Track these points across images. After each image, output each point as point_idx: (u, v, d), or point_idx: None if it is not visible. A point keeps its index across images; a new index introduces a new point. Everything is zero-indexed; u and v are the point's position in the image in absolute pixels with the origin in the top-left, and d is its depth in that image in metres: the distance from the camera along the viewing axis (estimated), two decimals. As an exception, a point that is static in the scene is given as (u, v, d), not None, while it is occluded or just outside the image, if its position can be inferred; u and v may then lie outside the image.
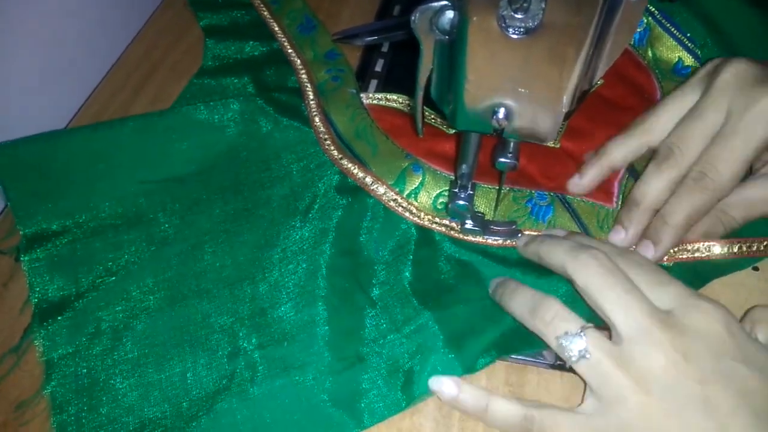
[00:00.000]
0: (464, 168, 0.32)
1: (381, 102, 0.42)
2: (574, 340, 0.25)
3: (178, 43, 0.48)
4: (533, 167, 0.37)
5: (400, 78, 0.45)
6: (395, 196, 0.36)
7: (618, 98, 0.41)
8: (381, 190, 0.36)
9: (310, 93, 0.43)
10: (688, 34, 0.42)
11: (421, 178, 0.36)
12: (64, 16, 0.47)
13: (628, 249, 0.32)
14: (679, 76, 0.42)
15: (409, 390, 0.29)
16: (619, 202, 0.36)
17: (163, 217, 0.36)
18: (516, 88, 0.25)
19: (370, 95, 0.42)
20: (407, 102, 0.42)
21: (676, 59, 0.42)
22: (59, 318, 0.32)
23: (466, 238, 0.35)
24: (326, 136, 0.40)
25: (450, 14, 0.24)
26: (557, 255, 0.29)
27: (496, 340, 0.30)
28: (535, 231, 0.35)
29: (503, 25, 0.22)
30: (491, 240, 0.35)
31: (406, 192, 0.36)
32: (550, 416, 0.26)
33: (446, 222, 0.35)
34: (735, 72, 0.31)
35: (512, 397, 0.27)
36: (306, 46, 0.47)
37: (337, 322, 0.32)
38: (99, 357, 0.31)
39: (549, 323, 0.27)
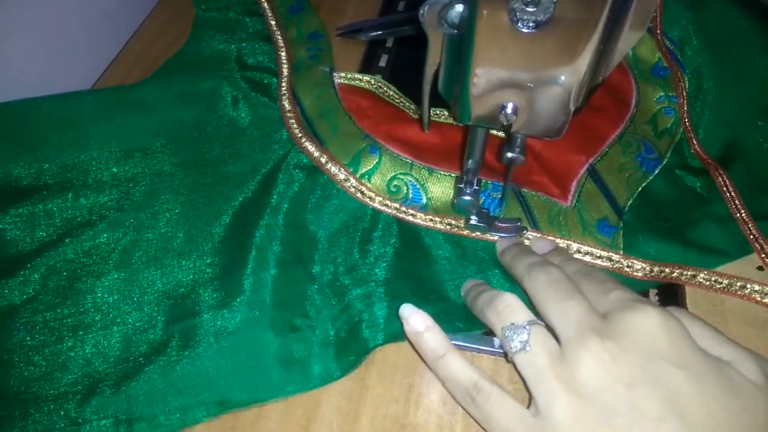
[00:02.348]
0: (470, 163, 0.32)
1: (352, 81, 0.42)
2: (518, 332, 0.26)
3: (178, 40, 0.47)
4: (492, 157, 0.38)
5: (404, 73, 0.45)
6: (348, 176, 0.36)
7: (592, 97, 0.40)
8: (334, 169, 0.37)
9: (285, 72, 0.43)
10: (669, 35, 0.41)
11: (377, 160, 0.37)
12: (64, 12, 0.46)
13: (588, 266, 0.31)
14: (656, 77, 0.41)
15: (342, 360, 0.30)
16: (575, 201, 0.36)
17: (125, 186, 0.37)
18: (525, 83, 0.25)
19: (342, 74, 0.43)
20: (379, 83, 0.42)
21: (656, 59, 0.41)
22: (16, 271, 0.33)
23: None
24: (291, 115, 0.40)
25: (459, 8, 0.24)
26: (518, 269, 0.30)
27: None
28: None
29: (514, 18, 0.22)
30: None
31: (360, 173, 0.36)
32: (498, 395, 0.25)
33: (396, 205, 0.36)
34: None
35: (471, 363, 0.27)
36: (291, 26, 0.47)
37: (276, 293, 0.33)
38: (41, 313, 0.32)
39: (499, 313, 0.27)
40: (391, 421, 0.29)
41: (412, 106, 0.41)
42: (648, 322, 0.24)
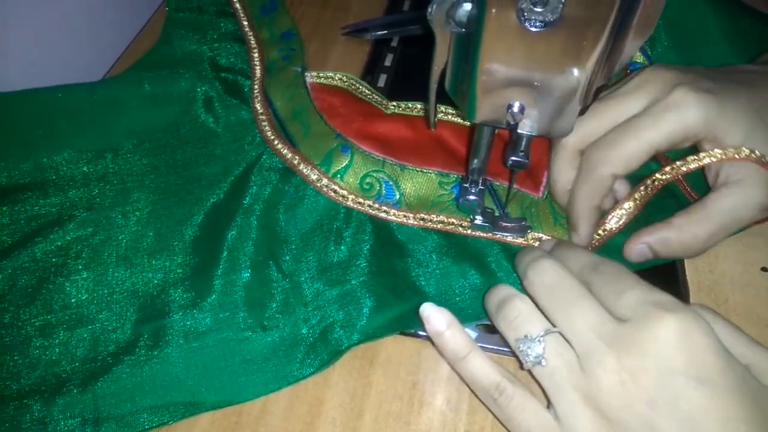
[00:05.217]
0: (475, 163, 0.32)
1: (324, 80, 0.43)
2: (532, 345, 0.25)
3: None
4: (465, 150, 0.38)
5: (409, 72, 0.45)
6: (320, 176, 0.37)
7: None
8: (306, 169, 0.37)
9: (258, 73, 0.43)
10: None
11: (348, 159, 0.37)
12: (71, 8, 0.47)
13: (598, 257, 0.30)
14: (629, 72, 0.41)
15: (314, 360, 0.30)
16: (546, 193, 0.36)
17: (95, 185, 0.37)
18: (532, 83, 0.25)
19: (314, 74, 0.43)
20: (351, 80, 0.43)
21: None
22: None
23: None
24: (264, 117, 0.40)
25: (467, 6, 0.24)
26: (518, 272, 0.29)
27: (401, 315, 0.31)
28: (459, 219, 0.35)
29: (522, 18, 0.22)
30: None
31: (332, 172, 0.37)
32: (520, 397, 0.25)
33: (369, 202, 0.36)
34: (654, 71, 0.31)
35: (494, 362, 0.26)
36: (264, 27, 0.47)
37: (247, 294, 0.33)
38: (9, 313, 0.32)
39: (510, 323, 0.26)
40: (395, 418, 0.29)
41: (384, 102, 0.42)
42: (667, 333, 0.22)
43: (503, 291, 0.28)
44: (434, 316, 0.27)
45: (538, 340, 0.25)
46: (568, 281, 0.26)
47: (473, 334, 0.31)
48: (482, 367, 0.26)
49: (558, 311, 0.25)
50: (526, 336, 0.25)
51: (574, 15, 0.22)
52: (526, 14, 0.22)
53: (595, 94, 0.26)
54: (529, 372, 0.26)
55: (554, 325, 0.26)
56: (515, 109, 0.26)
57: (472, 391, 0.28)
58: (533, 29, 0.22)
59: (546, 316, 0.26)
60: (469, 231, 0.35)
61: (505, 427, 0.26)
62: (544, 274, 0.27)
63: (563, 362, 0.24)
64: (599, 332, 0.24)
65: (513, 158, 0.29)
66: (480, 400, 0.27)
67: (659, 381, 0.22)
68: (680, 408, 0.22)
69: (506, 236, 0.34)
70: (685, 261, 0.34)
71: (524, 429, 0.25)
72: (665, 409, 0.22)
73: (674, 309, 0.23)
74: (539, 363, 0.24)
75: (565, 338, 0.25)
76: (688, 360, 0.22)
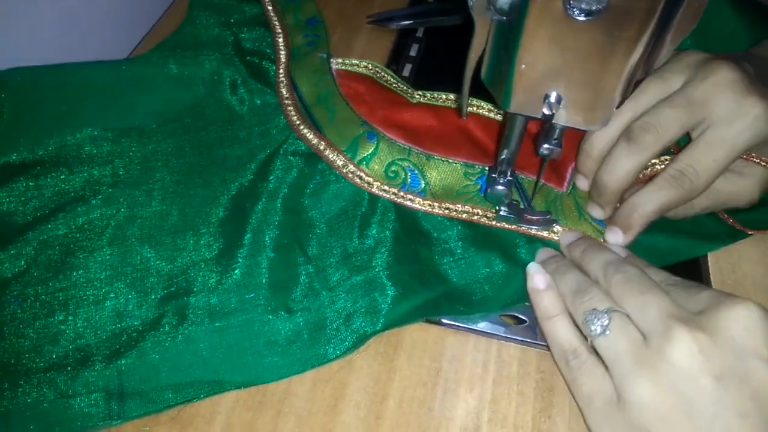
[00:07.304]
0: (505, 153, 0.32)
1: (349, 67, 0.43)
2: (599, 316, 0.26)
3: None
4: (491, 142, 0.38)
5: (434, 63, 0.45)
6: (346, 162, 0.37)
7: None
8: (332, 155, 0.37)
9: (283, 58, 0.43)
10: None
11: (374, 146, 0.37)
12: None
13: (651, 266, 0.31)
14: None
15: (338, 345, 0.30)
16: (570, 187, 0.36)
17: (119, 163, 0.37)
18: (572, 73, 0.25)
19: (339, 60, 0.43)
20: (376, 68, 0.43)
21: None
22: (7, 244, 0.33)
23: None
24: (289, 102, 0.40)
25: (510, -6, 0.24)
26: (592, 268, 0.30)
27: (426, 302, 0.31)
28: (484, 210, 0.35)
29: (568, 6, 0.22)
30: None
31: (358, 159, 0.37)
32: (591, 365, 0.26)
33: (395, 190, 0.36)
34: (726, 77, 0.30)
35: (577, 330, 0.28)
36: (289, 12, 0.47)
37: (272, 276, 0.33)
38: (32, 286, 0.32)
39: (583, 302, 0.28)
40: (419, 404, 0.29)
41: (410, 90, 0.42)
42: (746, 314, 0.23)
43: (578, 277, 0.29)
44: (537, 275, 0.31)
45: (606, 313, 0.26)
46: (646, 279, 0.27)
47: (497, 327, 0.31)
48: (566, 330, 0.28)
49: (631, 297, 0.26)
50: (594, 309, 0.27)
51: (620, 5, 0.22)
52: (572, 2, 0.22)
53: (635, 86, 0.26)
54: (593, 347, 0.27)
55: (628, 312, 0.27)
56: (552, 99, 0.26)
57: (550, 349, 0.29)
58: (579, 18, 0.22)
59: (620, 306, 0.27)
60: (494, 222, 0.35)
61: (570, 389, 0.28)
62: (625, 273, 0.28)
63: (626, 336, 0.25)
64: (672, 313, 0.25)
65: (546, 146, 0.29)
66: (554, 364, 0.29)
67: (729, 358, 0.23)
68: (748, 385, 0.22)
69: (530, 228, 0.34)
70: (709, 261, 0.34)
71: (585, 391, 0.26)
72: (733, 384, 0.22)
73: (746, 300, 0.24)
74: (604, 333, 0.26)
75: (632, 322, 0.26)
76: (762, 343, 0.23)
